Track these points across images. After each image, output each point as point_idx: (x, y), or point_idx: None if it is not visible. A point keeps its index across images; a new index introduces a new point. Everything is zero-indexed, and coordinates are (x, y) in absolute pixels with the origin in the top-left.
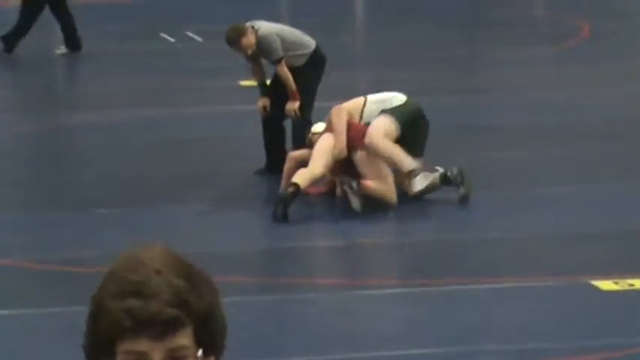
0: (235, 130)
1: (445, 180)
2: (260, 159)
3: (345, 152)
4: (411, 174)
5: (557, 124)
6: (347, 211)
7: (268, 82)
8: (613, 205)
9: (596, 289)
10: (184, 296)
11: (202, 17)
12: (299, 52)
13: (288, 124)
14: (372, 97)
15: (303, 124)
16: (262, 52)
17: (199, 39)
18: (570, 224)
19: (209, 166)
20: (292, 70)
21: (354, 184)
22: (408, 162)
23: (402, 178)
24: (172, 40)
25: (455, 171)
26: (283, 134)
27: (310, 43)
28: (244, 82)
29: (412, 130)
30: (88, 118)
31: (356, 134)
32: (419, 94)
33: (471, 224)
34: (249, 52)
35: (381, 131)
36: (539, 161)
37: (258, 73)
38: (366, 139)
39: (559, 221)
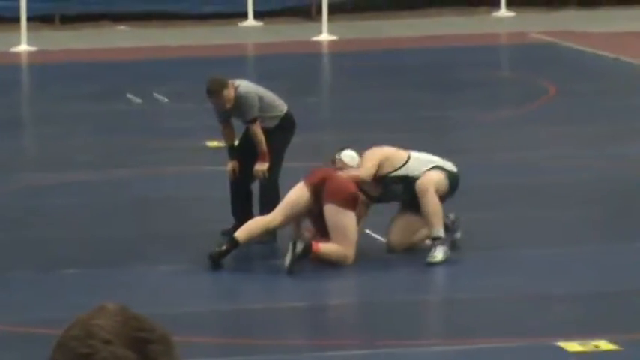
0: (203, 191)
1: (445, 227)
2: (227, 220)
3: (369, 178)
4: (437, 240)
5: (524, 186)
6: (316, 269)
7: (236, 143)
8: (579, 267)
9: (562, 350)
10: None
11: (168, 78)
12: (272, 114)
13: (255, 188)
14: (415, 154)
15: (270, 186)
16: (239, 110)
17: (165, 99)
18: (537, 286)
19: (177, 226)
20: (263, 131)
21: (299, 245)
22: (440, 228)
23: (411, 233)
24: (139, 100)
25: (452, 217)
26: (250, 197)
27: (283, 106)
28: (211, 143)
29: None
30: (55, 179)
31: (335, 187)
32: None
33: (439, 285)
34: (228, 105)
35: (433, 183)
36: (507, 223)
37: (228, 134)
38: (420, 184)
39: (526, 283)
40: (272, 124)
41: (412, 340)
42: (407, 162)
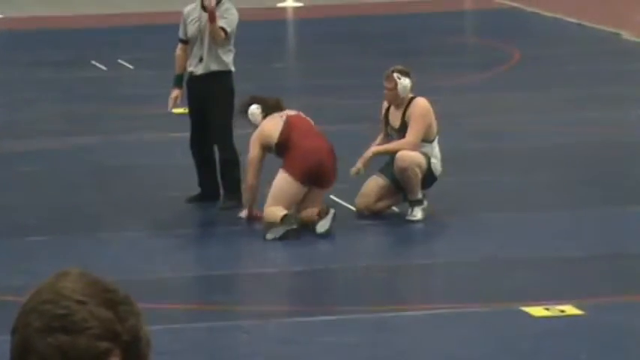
0: (167, 158)
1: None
2: (192, 188)
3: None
4: (415, 202)
5: (487, 151)
6: (281, 238)
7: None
8: (543, 231)
9: (528, 315)
10: (113, 327)
11: (133, 45)
12: (231, 57)
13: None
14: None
15: (224, 125)
16: (220, 12)
17: (130, 67)
18: (501, 250)
19: (141, 193)
20: (223, 73)
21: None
22: (418, 192)
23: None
24: (104, 67)
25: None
26: (213, 160)
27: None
28: (176, 110)
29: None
30: (19, 146)
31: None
32: (352, 121)
33: (404, 250)
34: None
35: (416, 164)
36: (469, 188)
37: (182, 57)
38: (403, 158)
39: (490, 247)
40: (228, 66)
41: (378, 305)
42: (434, 140)
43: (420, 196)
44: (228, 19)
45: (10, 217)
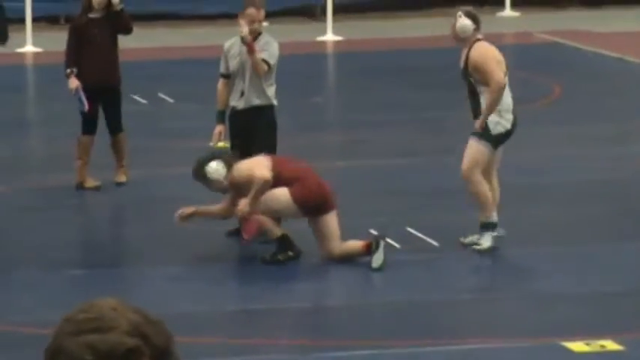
0: (207, 192)
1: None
2: (232, 221)
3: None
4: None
5: (530, 186)
6: (313, 270)
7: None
8: (585, 266)
9: (568, 350)
10: (143, 329)
11: (173, 79)
12: (274, 90)
13: None
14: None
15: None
16: (263, 48)
17: (171, 100)
18: (542, 285)
19: (181, 227)
20: (266, 107)
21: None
22: (489, 213)
23: None
24: (144, 101)
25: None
26: None
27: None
28: (217, 144)
29: None
30: (61, 179)
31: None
32: (394, 155)
33: (443, 285)
34: (257, 25)
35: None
36: (512, 222)
37: (224, 93)
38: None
39: (531, 282)
40: (270, 99)
41: (417, 340)
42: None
43: (491, 218)
44: (270, 51)
45: (52, 250)
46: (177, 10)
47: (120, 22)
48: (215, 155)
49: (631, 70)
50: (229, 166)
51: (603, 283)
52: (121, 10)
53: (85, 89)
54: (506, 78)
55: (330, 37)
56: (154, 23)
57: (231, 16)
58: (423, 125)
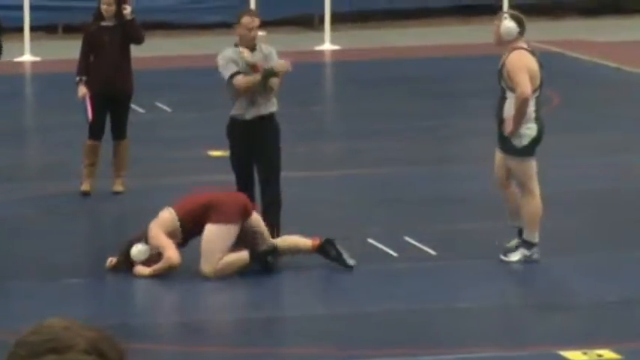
0: None
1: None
2: None
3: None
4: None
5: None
6: (310, 279)
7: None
8: (583, 275)
9: (565, 359)
10: (99, 345)
11: (171, 88)
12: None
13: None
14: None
15: (274, 186)
16: (264, 56)
17: (168, 109)
18: (539, 294)
19: None
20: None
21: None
22: (531, 232)
23: None
24: (142, 110)
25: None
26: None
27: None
28: (213, 153)
29: None
30: (56, 188)
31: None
32: (388, 164)
33: (441, 294)
34: (253, 34)
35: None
36: (510, 231)
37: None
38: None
39: (529, 291)
40: (276, 105)
41: (414, 349)
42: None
43: (532, 238)
44: (275, 61)
45: (46, 259)
46: (174, 19)
47: (131, 32)
48: (130, 241)
49: (628, 79)
50: (145, 239)
51: (600, 292)
52: (132, 19)
53: (94, 96)
54: (539, 91)
55: (327, 46)
56: (151, 32)
57: (228, 25)
58: (421, 134)
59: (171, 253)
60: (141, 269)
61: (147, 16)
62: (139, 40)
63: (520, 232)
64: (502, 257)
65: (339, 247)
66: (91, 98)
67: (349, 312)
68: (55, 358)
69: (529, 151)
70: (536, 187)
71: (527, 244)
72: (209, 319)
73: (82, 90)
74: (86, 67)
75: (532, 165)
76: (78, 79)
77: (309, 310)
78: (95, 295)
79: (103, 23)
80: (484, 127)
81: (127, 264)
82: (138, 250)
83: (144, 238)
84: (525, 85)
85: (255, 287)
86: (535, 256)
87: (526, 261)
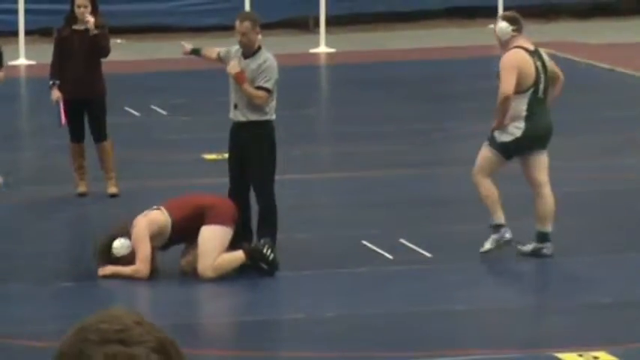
0: None
1: None
2: None
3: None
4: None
5: (519, 196)
6: (305, 282)
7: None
8: (576, 278)
9: None
10: (168, 347)
11: (166, 91)
12: (273, 108)
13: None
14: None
15: (267, 197)
16: (257, 69)
17: (163, 112)
18: (535, 296)
19: None
20: (264, 122)
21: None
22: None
23: None
24: (137, 113)
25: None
26: (249, 210)
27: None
28: (208, 156)
29: None
30: (52, 191)
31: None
32: (383, 167)
33: (436, 296)
34: (250, 43)
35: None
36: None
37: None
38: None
39: (523, 294)
40: (266, 115)
41: (410, 351)
42: (523, 92)
43: (496, 220)
44: (266, 73)
45: (44, 262)
46: (170, 22)
47: (97, 44)
48: (113, 235)
49: (622, 81)
50: (128, 234)
51: (596, 295)
52: (96, 35)
53: (67, 100)
54: (535, 87)
55: (323, 49)
56: (146, 35)
57: (224, 28)
58: (416, 137)
59: (143, 267)
60: (107, 268)
61: (144, 19)
62: (104, 54)
63: (538, 231)
64: (519, 247)
65: (264, 250)
66: (65, 102)
67: (344, 314)
68: (121, 350)
69: (502, 148)
70: (483, 177)
71: (496, 228)
72: (205, 322)
73: (55, 94)
74: (58, 71)
75: (492, 160)
76: (51, 82)
77: (305, 313)
78: (90, 298)
79: (75, 26)
80: (478, 129)
81: (106, 257)
82: (121, 244)
83: (126, 232)
84: (507, 84)
85: (251, 290)
86: (545, 250)
87: (498, 246)
